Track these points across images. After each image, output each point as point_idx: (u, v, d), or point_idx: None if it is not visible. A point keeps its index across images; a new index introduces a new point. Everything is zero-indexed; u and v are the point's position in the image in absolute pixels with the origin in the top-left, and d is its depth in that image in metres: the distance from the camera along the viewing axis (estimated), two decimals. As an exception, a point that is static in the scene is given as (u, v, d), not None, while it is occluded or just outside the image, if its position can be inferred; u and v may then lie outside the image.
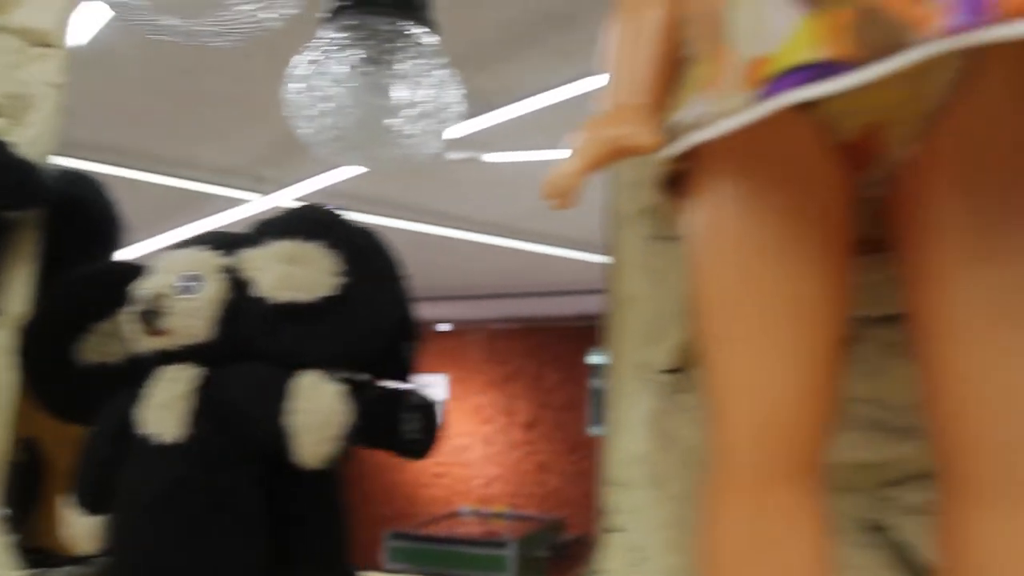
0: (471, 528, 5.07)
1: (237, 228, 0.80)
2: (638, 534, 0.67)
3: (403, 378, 0.83)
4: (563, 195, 0.50)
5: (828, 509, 0.48)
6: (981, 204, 0.41)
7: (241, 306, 0.72)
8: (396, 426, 0.79)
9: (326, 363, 0.69)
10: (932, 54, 0.33)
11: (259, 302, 0.71)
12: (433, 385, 5.93)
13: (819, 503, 0.47)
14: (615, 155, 0.49)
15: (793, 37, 0.38)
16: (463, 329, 5.69)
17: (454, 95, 0.97)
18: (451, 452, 5.68)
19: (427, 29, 0.95)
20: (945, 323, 0.42)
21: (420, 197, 3.55)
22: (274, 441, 0.67)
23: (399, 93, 0.93)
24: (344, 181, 3.00)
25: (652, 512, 0.66)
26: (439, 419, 0.81)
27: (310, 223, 0.75)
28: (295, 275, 0.70)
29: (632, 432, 0.68)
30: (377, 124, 0.93)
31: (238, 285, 0.73)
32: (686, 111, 0.47)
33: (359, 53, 0.91)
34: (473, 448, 5.55)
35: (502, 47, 2.35)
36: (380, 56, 0.92)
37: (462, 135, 2.78)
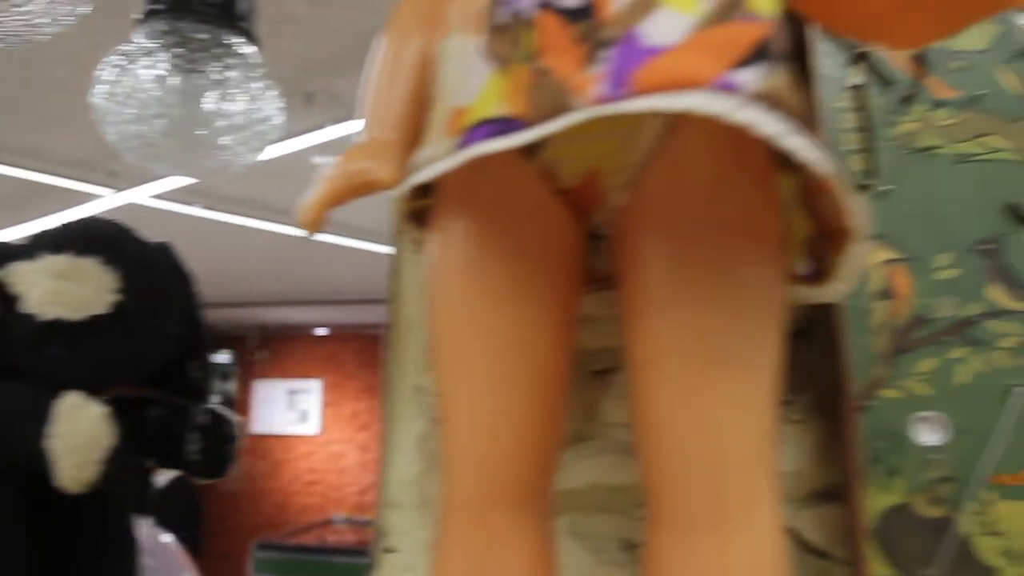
0: (345, 536, 4.97)
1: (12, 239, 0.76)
2: (410, 555, 0.69)
3: (195, 396, 0.82)
4: (309, 225, 0.50)
5: (554, 533, 0.51)
6: (678, 251, 0.44)
7: (7, 322, 0.69)
8: (181, 445, 0.77)
9: (93, 384, 0.67)
10: (585, 119, 0.35)
11: (27, 318, 0.68)
12: (308, 390, 5.81)
13: (544, 530, 0.50)
14: (357, 189, 0.50)
15: (484, 91, 0.40)
16: (340, 334, 5.59)
17: (272, 107, 0.96)
18: (326, 459, 5.57)
19: (244, 39, 0.94)
20: (645, 360, 0.45)
21: (290, 199, 3.46)
22: (34, 464, 0.65)
23: (213, 103, 0.91)
24: (207, 180, 2.90)
25: (422, 533, 0.67)
26: (231, 439, 0.80)
27: (88, 238, 0.72)
28: (66, 291, 0.68)
29: (406, 454, 0.69)
30: (189, 133, 0.91)
31: (5, 300, 0.69)
32: (420, 151, 0.48)
33: (171, 60, 0.88)
34: (348, 455, 5.46)
35: (366, 55, 2.34)
36: (193, 64, 0.90)
37: (329, 140, 2.75)
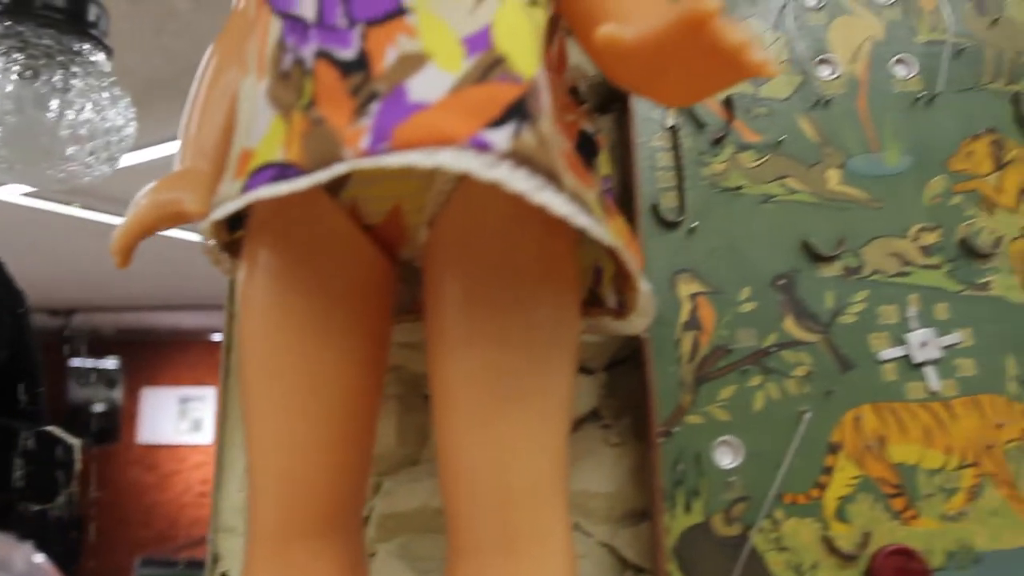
0: (238, 549, 4.82)
1: None
2: (244, 581, 0.68)
3: (28, 419, 0.78)
4: (118, 255, 0.49)
5: (364, 560, 0.52)
6: (471, 291, 0.45)
7: None
8: (8, 471, 0.73)
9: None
10: (349, 170, 0.36)
11: None
12: (202, 398, 5.60)
13: (350, 558, 0.50)
14: (168, 220, 0.50)
15: (268, 136, 0.40)
16: (235, 340, 5.42)
17: (123, 118, 0.92)
18: (219, 469, 5.38)
19: (92, 46, 0.91)
20: (443, 394, 0.47)
21: (178, 202, 3.35)
22: None
23: (56, 112, 0.88)
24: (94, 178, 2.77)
25: (255, 559, 0.67)
26: (63, 463, 0.77)
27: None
28: None
29: (237, 480, 0.68)
30: (31, 142, 0.87)
31: None
32: (220, 187, 0.48)
33: (7, 64, 0.84)
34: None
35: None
36: (35, 70, 0.86)
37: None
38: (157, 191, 0.50)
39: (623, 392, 0.65)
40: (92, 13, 0.90)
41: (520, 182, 0.34)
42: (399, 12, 0.38)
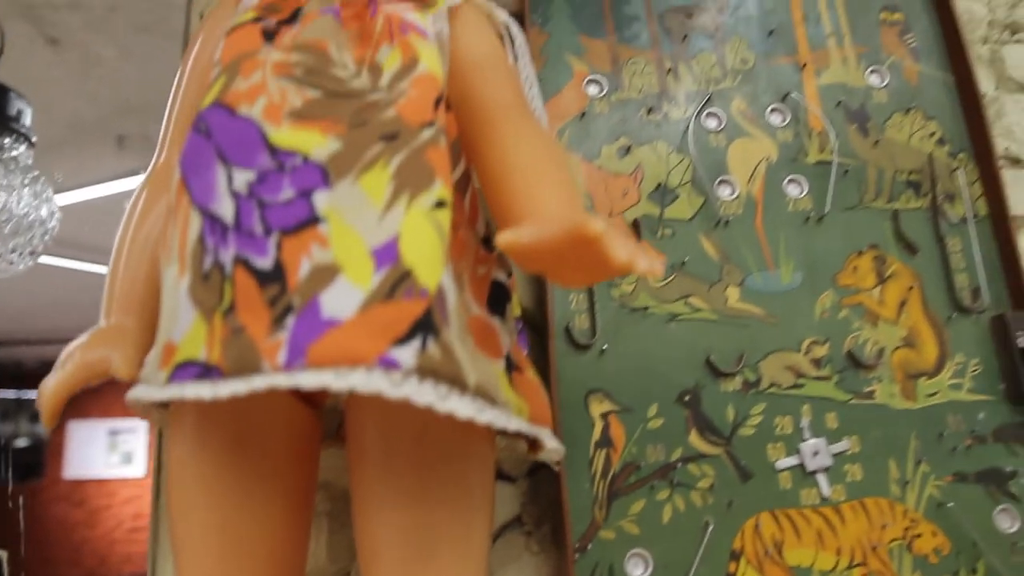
0: (173, 585, 4.68)
1: None
2: None
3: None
4: (48, 417, 0.50)
5: None
6: (388, 453, 0.47)
7: None
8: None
9: None
10: (269, 387, 0.38)
11: None
12: (132, 430, 5.44)
13: None
14: (96, 378, 0.51)
15: (190, 334, 0.42)
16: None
17: (46, 211, 0.92)
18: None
19: (13, 139, 0.90)
20: (368, 547, 0.49)
21: (103, 239, 3.28)
22: None
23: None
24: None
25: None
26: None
27: None
28: None
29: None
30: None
31: None
32: (148, 359, 0.49)
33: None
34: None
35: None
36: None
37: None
38: (85, 350, 0.51)
39: (543, 499, 0.68)
40: (13, 108, 0.89)
41: (426, 395, 0.37)
42: (312, 221, 0.41)
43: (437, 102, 0.46)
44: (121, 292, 0.53)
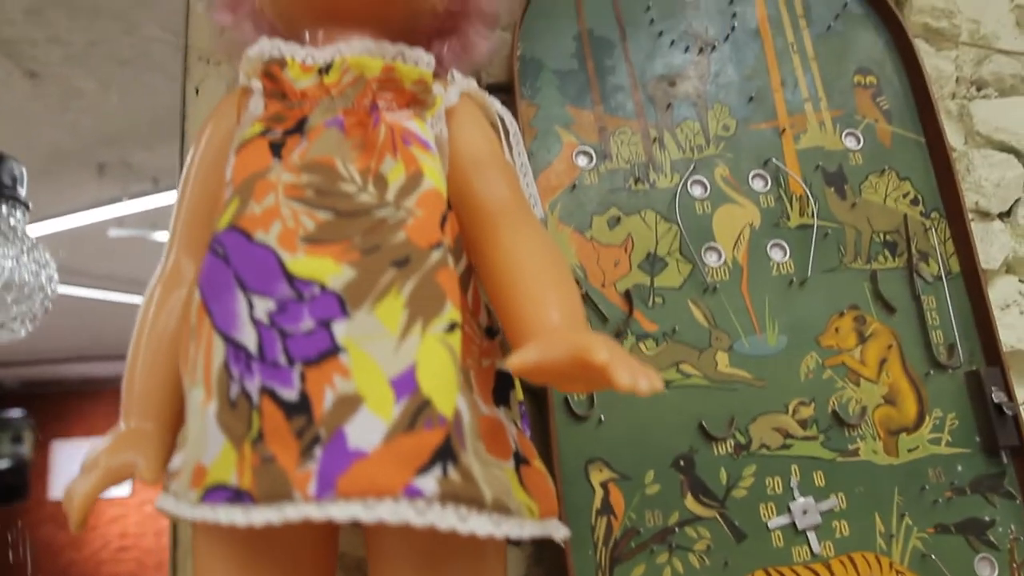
0: (163, 603, 4.66)
1: None
2: None
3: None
4: (77, 524, 0.51)
5: None
6: (416, 547, 0.50)
7: None
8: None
9: None
10: (303, 518, 0.40)
11: None
12: (118, 449, 5.40)
13: None
14: (119, 482, 0.52)
15: (220, 459, 0.44)
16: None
17: (44, 277, 0.93)
18: (140, 521, 5.20)
19: (9, 208, 0.91)
20: None
21: (87, 264, 3.27)
22: None
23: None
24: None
25: None
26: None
27: None
28: None
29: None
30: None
31: None
32: (177, 457, 0.51)
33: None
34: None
35: (170, 127, 2.28)
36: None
37: (128, 213, 2.62)
38: (110, 456, 0.52)
39: (548, 562, 0.71)
40: (10, 174, 0.90)
41: (448, 519, 0.40)
42: (333, 352, 0.43)
43: (443, 220, 0.49)
44: (139, 395, 0.55)
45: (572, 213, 0.74)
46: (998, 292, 0.83)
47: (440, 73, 0.67)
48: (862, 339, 0.74)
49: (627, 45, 0.81)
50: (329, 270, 0.45)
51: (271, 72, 0.55)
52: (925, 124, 0.82)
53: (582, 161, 0.76)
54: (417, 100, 0.55)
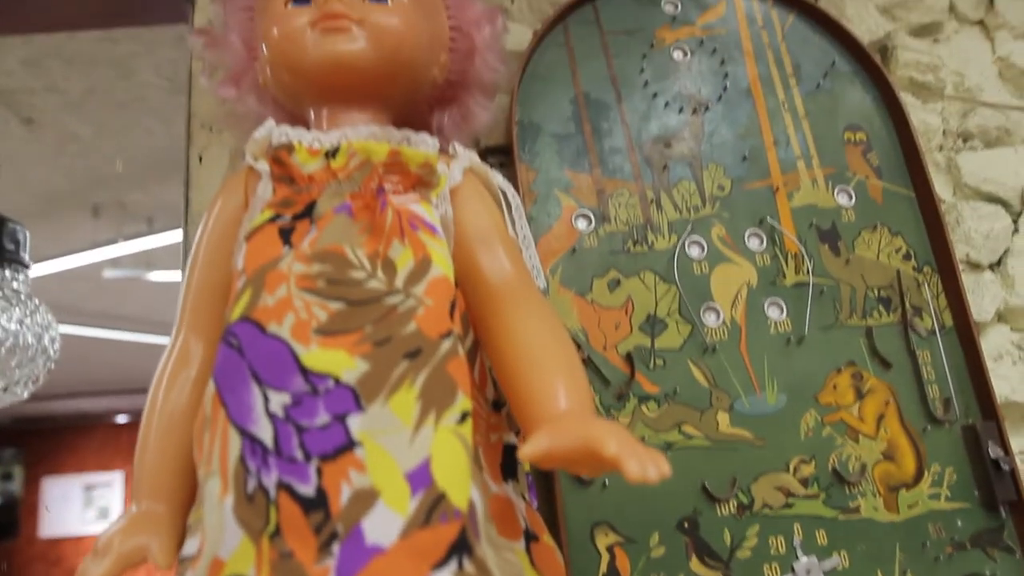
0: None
1: None
2: None
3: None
4: None
5: None
6: None
7: None
8: None
9: None
10: None
11: None
12: (108, 484, 5.35)
13: None
14: (134, 566, 0.53)
15: (238, 551, 0.44)
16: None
17: (47, 338, 0.93)
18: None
19: (12, 272, 0.91)
20: None
21: (81, 304, 3.27)
22: None
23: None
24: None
25: None
26: None
27: None
28: None
29: None
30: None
31: None
32: (190, 542, 0.51)
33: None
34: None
35: (164, 168, 2.30)
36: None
37: (123, 254, 2.62)
38: (123, 539, 0.52)
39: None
40: (10, 240, 0.91)
41: None
42: (349, 446, 0.44)
43: (452, 307, 0.50)
44: (150, 475, 0.55)
45: (573, 277, 0.75)
46: (991, 343, 0.85)
47: (442, 143, 0.69)
48: (860, 395, 0.75)
49: (623, 107, 0.83)
50: (343, 363, 0.46)
51: (279, 158, 0.56)
52: (914, 178, 0.84)
53: (581, 224, 0.77)
54: (423, 182, 0.57)
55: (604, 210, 0.78)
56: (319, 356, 0.46)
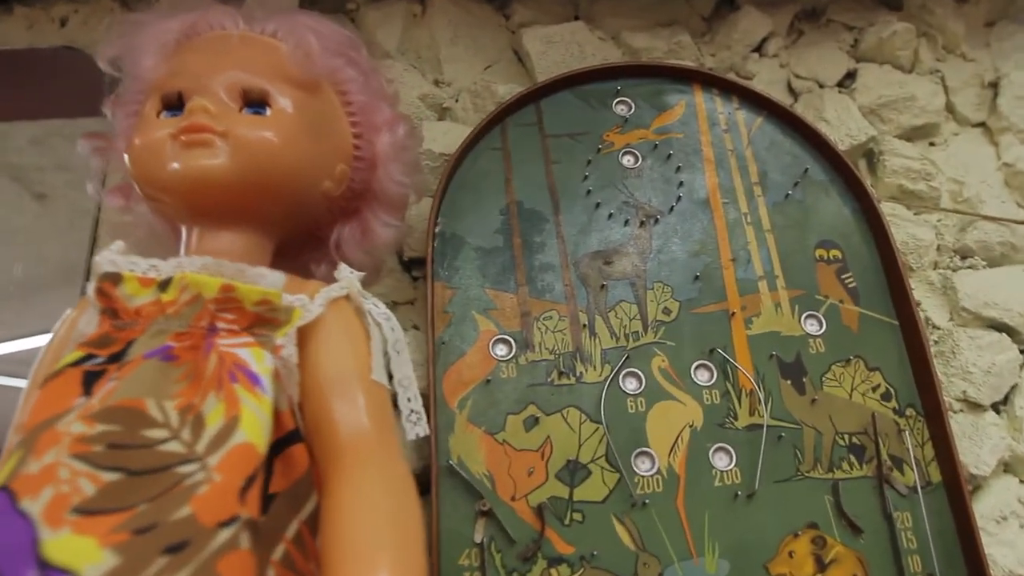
0: None
1: None
2: None
3: None
4: None
5: None
6: None
7: None
8: None
9: None
10: None
11: None
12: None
13: None
14: None
15: None
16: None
17: None
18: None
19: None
20: None
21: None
22: None
23: None
24: None
25: None
26: None
27: None
28: None
29: None
30: None
31: None
32: None
33: None
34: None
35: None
36: None
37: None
38: None
39: None
40: None
41: None
42: None
43: (248, 483, 0.41)
44: None
45: (484, 412, 0.66)
46: (992, 501, 0.71)
47: (340, 258, 0.62)
48: (821, 566, 0.63)
49: (560, 218, 0.74)
50: (88, 556, 0.37)
51: (103, 289, 0.50)
52: (897, 303, 0.73)
53: (500, 351, 0.68)
54: (262, 320, 0.49)
55: (528, 335, 0.69)
56: (64, 545, 0.38)
